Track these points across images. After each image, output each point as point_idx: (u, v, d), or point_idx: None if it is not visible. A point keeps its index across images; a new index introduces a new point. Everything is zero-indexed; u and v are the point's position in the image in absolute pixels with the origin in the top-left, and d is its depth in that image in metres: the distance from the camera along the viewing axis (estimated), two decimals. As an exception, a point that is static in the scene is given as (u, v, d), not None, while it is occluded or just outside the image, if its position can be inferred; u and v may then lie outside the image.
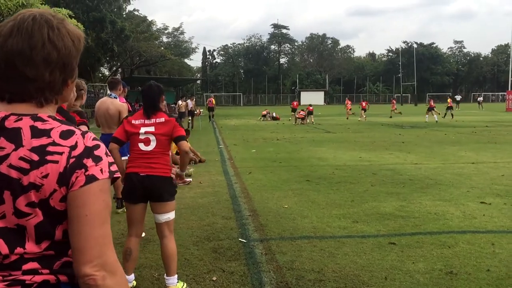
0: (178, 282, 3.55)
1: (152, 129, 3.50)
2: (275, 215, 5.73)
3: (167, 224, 3.49)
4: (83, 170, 1.12)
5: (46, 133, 1.13)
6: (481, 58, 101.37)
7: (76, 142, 1.14)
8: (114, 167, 1.17)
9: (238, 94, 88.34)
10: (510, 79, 49.01)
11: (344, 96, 70.56)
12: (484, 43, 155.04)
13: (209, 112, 28.91)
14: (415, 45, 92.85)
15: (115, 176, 1.17)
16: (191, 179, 8.08)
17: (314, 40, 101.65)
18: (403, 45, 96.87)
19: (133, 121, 3.56)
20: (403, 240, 4.69)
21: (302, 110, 27.27)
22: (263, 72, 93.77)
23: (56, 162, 1.10)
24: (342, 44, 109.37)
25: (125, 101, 6.32)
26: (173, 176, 3.62)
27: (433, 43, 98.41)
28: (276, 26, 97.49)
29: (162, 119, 3.53)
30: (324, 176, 8.45)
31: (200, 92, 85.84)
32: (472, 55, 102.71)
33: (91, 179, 1.12)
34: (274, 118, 30.67)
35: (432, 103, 27.61)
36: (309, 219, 5.54)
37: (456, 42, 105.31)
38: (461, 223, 5.34)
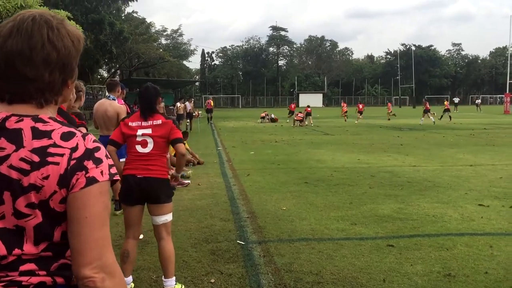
0: (176, 284, 3.55)
1: (149, 131, 3.50)
2: (273, 217, 5.73)
3: (165, 226, 3.49)
4: (83, 172, 1.12)
5: (47, 134, 1.13)
6: (479, 61, 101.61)
7: (77, 144, 1.14)
8: (114, 170, 1.18)
9: (237, 96, 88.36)
10: (508, 81, 49.13)
11: (342, 99, 70.62)
12: (482, 45, 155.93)
13: (207, 114, 28.91)
14: (413, 48, 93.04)
15: (114, 178, 1.17)
16: (189, 181, 8.08)
17: (313, 42, 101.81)
18: (402, 48, 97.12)
19: (130, 123, 3.55)
20: (401, 242, 4.70)
21: (300, 112, 27.28)
22: (262, 74, 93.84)
23: (57, 163, 1.10)
24: (341, 46, 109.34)
25: (123, 103, 6.31)
26: (168, 177, 3.63)
27: (431, 46, 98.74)
28: (274, 28, 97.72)
29: (159, 121, 3.53)
30: (323, 178, 8.45)
31: (199, 94, 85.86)
32: (470, 57, 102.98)
33: (91, 181, 1.12)
34: (272, 120, 30.69)
35: (427, 105, 27.69)
36: (308, 221, 5.54)
37: (454, 44, 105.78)
38: (459, 225, 5.35)
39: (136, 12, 55.00)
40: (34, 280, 1.12)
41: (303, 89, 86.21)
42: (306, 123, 26.36)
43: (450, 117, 29.64)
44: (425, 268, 4.00)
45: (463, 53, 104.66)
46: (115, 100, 6.00)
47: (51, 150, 1.11)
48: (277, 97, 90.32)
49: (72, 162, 1.12)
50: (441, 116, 30.19)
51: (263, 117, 31.10)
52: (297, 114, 26.80)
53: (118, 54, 40.11)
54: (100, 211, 1.13)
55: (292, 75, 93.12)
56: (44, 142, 1.12)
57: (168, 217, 3.51)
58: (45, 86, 1.15)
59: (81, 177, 1.11)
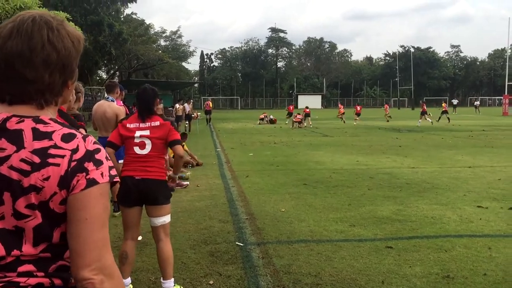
0: (174, 285, 3.55)
1: (147, 132, 3.50)
2: (272, 219, 5.73)
3: (163, 227, 3.49)
4: (84, 173, 1.12)
5: (48, 135, 1.13)
6: (478, 63, 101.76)
7: (78, 146, 1.14)
8: (114, 171, 1.18)
9: (236, 98, 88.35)
10: (506, 83, 49.23)
11: (341, 100, 70.73)
12: (480, 47, 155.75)
13: (206, 115, 28.91)
14: (412, 49, 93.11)
15: (114, 180, 1.18)
16: (188, 183, 8.08)
17: (312, 44, 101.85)
18: (400, 49, 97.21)
19: (128, 125, 3.55)
20: (400, 244, 4.70)
21: (298, 113, 27.28)
22: (261, 75, 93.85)
23: (58, 165, 1.11)
24: (340, 48, 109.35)
25: (122, 104, 6.32)
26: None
27: (430, 47, 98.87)
28: (273, 30, 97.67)
29: (157, 123, 3.53)
30: (321, 180, 8.45)
31: (198, 96, 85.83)
32: (469, 59, 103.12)
33: (92, 183, 1.12)
34: (271, 122, 30.70)
35: (424, 107, 27.75)
36: (306, 223, 5.54)
37: (453, 46, 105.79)
38: (457, 227, 5.35)
39: (135, 14, 55.00)
40: (32, 281, 1.12)
41: (302, 91, 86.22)
42: (305, 124, 26.36)
43: (448, 118, 29.67)
44: (424, 270, 4.00)
45: (461, 55, 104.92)
46: (114, 101, 6.01)
47: (52, 151, 1.11)
48: (276, 98, 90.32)
49: (73, 164, 1.12)
50: (439, 118, 30.23)
51: (262, 119, 31.11)
52: (296, 116, 26.80)
53: (117, 55, 40.13)
54: (100, 212, 1.13)
55: (291, 77, 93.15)
56: (45, 143, 1.12)
57: (166, 219, 3.50)
58: (45, 87, 1.15)
59: (82, 179, 1.12)
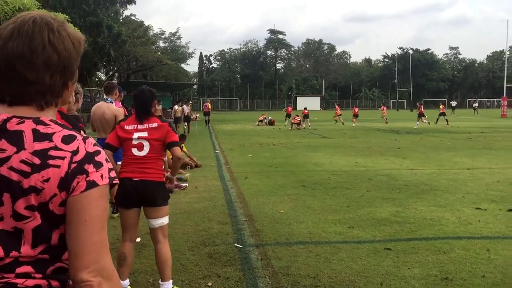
0: (173, 287, 3.54)
1: (145, 134, 3.49)
2: (271, 220, 5.73)
3: (161, 229, 3.49)
4: (84, 175, 1.12)
5: (48, 137, 1.13)
6: (477, 64, 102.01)
7: (78, 147, 1.14)
8: (113, 173, 1.18)
9: (235, 99, 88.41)
10: (505, 85, 49.32)
11: (340, 102, 70.75)
12: (479, 49, 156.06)
13: (205, 117, 28.92)
14: (411, 51, 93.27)
15: (114, 182, 1.18)
16: (187, 184, 8.08)
17: (311, 46, 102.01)
18: (399, 51, 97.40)
19: (125, 127, 3.55)
20: (398, 246, 4.70)
21: (297, 115, 27.29)
22: (260, 77, 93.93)
23: (58, 166, 1.11)
24: (339, 49, 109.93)
25: (121, 105, 6.32)
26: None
27: (428, 49, 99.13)
28: (272, 31, 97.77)
29: (155, 124, 3.53)
30: (320, 182, 8.46)
31: (197, 97, 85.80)
32: (468, 61, 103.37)
33: (91, 185, 1.12)
34: (270, 123, 30.72)
35: (421, 109, 27.79)
36: (305, 225, 5.54)
37: (451, 48, 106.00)
38: (456, 229, 5.36)
39: (134, 15, 55.24)
40: (30, 283, 1.12)
41: (301, 92, 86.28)
42: (304, 126, 26.37)
43: (447, 120, 29.71)
44: (423, 272, 4.01)
45: (460, 56, 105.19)
46: (112, 103, 6.01)
47: (52, 153, 1.11)
48: (275, 100, 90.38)
49: (73, 166, 1.12)
50: (437, 120, 30.26)
51: (261, 120, 31.12)
52: (294, 117, 26.81)
53: (116, 57, 40.14)
54: (99, 214, 1.13)
55: (290, 78, 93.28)
56: (45, 144, 1.12)
57: (165, 220, 3.50)
58: (46, 88, 1.15)
59: (82, 181, 1.12)
